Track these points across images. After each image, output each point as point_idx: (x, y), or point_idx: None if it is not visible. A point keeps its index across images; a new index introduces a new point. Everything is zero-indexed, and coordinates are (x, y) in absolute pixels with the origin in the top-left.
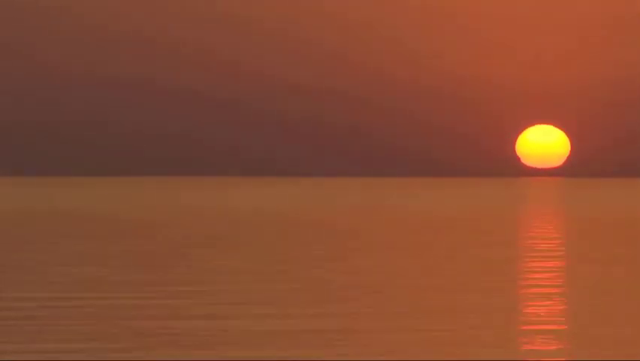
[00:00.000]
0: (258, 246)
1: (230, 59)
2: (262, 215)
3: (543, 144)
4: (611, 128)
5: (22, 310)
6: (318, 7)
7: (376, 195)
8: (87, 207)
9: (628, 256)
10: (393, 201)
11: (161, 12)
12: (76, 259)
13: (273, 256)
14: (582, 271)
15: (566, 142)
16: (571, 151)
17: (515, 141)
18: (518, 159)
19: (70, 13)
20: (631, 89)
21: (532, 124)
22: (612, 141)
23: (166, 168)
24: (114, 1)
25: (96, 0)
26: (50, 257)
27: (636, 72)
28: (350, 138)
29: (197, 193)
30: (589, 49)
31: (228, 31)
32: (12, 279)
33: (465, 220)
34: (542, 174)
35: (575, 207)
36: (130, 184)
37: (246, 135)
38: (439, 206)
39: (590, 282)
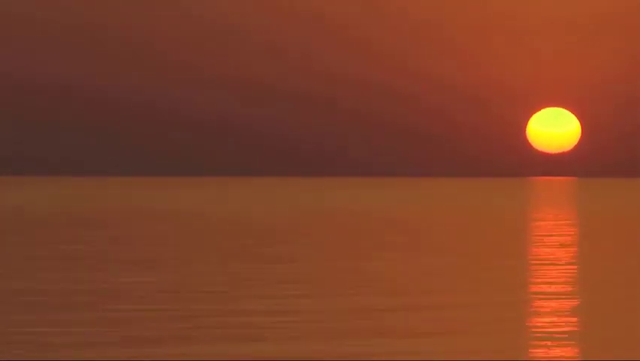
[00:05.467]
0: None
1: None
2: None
3: (553, 127)
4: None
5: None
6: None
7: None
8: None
9: None
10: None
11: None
12: None
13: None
14: None
15: (576, 123)
16: (582, 133)
17: (526, 125)
18: (529, 143)
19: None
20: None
21: (540, 108)
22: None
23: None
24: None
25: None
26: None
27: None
28: (353, 138)
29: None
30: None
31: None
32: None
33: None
34: (553, 162)
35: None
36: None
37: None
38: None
39: None
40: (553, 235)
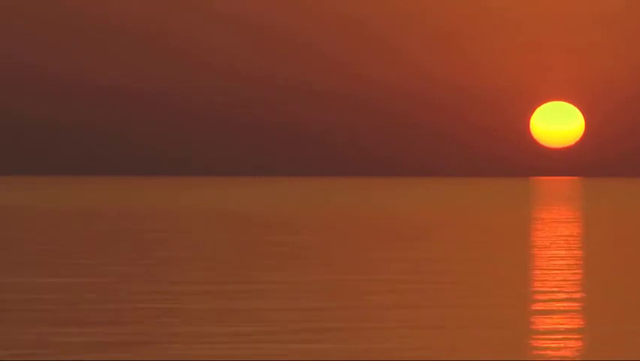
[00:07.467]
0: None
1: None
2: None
3: (557, 120)
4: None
5: None
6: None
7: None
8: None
9: None
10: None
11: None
12: None
13: None
14: None
15: (580, 117)
16: (586, 127)
17: (529, 119)
18: (532, 137)
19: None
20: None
21: (544, 102)
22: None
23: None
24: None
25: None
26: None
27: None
28: (349, 138)
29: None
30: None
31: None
32: None
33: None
34: (557, 155)
35: None
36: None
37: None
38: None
39: None
40: (557, 237)
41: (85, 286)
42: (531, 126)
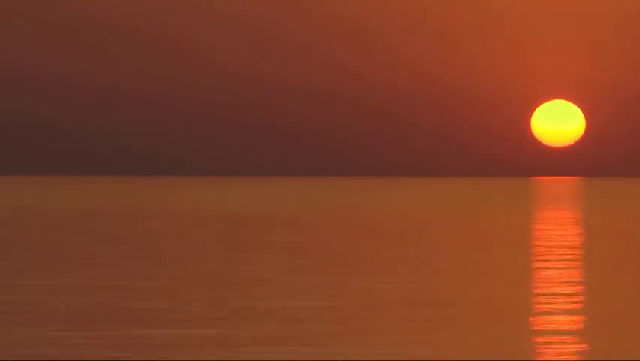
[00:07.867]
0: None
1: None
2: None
3: (557, 119)
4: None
5: None
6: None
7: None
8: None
9: None
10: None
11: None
12: None
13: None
14: None
15: (580, 116)
16: (586, 126)
17: (529, 119)
18: (533, 137)
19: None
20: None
21: (544, 100)
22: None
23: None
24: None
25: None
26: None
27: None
28: (347, 139)
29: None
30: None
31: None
32: None
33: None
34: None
35: None
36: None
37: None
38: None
39: None
40: (560, 239)
41: (85, 287)
42: (532, 125)
